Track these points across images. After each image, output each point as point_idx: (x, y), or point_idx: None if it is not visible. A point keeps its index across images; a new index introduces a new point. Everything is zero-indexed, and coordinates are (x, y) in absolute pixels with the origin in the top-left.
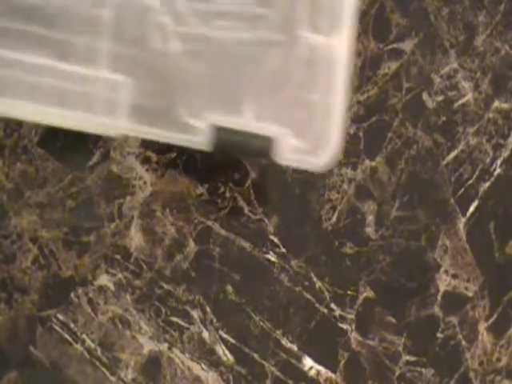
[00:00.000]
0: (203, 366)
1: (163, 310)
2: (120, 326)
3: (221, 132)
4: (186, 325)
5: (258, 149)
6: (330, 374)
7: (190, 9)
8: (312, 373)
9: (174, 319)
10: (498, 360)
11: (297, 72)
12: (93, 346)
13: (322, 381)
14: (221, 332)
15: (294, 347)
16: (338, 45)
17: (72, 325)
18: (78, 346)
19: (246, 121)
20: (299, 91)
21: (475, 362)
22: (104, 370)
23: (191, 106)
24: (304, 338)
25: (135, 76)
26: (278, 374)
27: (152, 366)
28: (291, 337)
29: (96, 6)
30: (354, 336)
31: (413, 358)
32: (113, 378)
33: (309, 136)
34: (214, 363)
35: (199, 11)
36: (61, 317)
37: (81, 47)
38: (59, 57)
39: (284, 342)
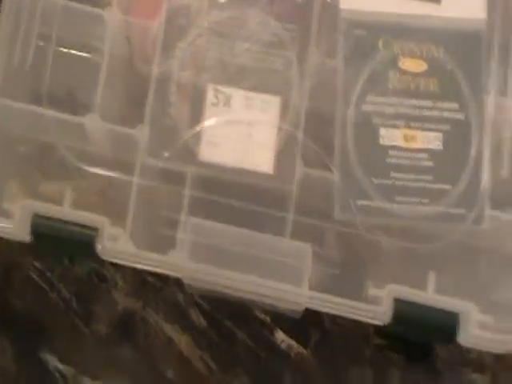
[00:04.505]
0: (176, 327)
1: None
2: (96, 279)
3: (403, 305)
4: (162, 286)
5: (441, 326)
6: (302, 350)
7: (370, 183)
8: (283, 346)
9: (150, 279)
10: (469, 352)
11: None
12: (68, 296)
13: (292, 355)
14: (195, 296)
15: (267, 319)
16: None
17: (49, 274)
18: (54, 296)
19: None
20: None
21: (445, 352)
22: (78, 321)
23: (377, 278)
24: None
25: (320, 245)
26: (249, 343)
27: (126, 322)
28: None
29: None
30: (326, 314)
31: (383, 342)
32: (86, 330)
33: (497, 310)
34: (187, 326)
35: (379, 186)
36: (38, 265)
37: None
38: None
39: (257, 313)
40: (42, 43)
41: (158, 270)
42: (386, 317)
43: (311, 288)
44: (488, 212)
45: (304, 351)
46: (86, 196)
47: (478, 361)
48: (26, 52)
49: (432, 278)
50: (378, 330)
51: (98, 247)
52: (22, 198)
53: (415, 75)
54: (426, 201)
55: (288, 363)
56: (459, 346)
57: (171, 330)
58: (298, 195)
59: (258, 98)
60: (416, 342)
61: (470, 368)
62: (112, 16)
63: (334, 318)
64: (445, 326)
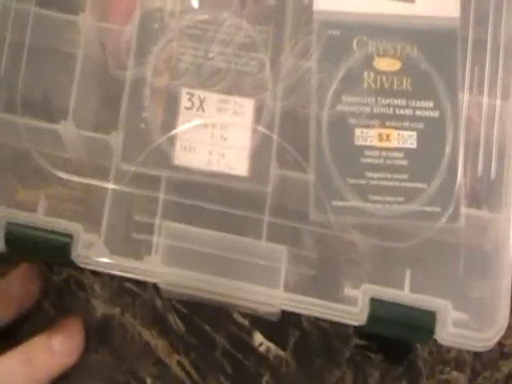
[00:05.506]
0: (154, 332)
1: (118, 275)
2: (74, 287)
3: (379, 305)
4: (140, 291)
5: (419, 325)
6: (280, 352)
7: (345, 184)
8: (262, 349)
9: (128, 285)
10: (448, 351)
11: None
12: (46, 305)
13: (271, 357)
14: (173, 301)
15: (246, 322)
16: (503, 221)
17: None
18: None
19: (407, 294)
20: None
21: (425, 351)
22: None
23: (353, 278)
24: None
25: (296, 247)
26: (227, 347)
27: (104, 329)
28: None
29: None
30: (305, 316)
31: (362, 342)
32: None
33: (474, 308)
34: (165, 331)
35: (354, 186)
36: None
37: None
38: (223, 228)
39: (236, 316)
40: (15, 51)
41: (134, 276)
42: (362, 317)
43: (287, 290)
44: (463, 210)
45: (282, 353)
46: (60, 203)
47: (457, 359)
48: None
49: (408, 277)
50: (358, 331)
51: (73, 254)
52: None
53: (389, 74)
54: (401, 199)
55: (267, 366)
56: (439, 345)
57: (149, 335)
58: (274, 197)
59: (232, 100)
60: (396, 342)
61: (450, 366)
62: (86, 22)
63: (313, 320)
64: (422, 324)
